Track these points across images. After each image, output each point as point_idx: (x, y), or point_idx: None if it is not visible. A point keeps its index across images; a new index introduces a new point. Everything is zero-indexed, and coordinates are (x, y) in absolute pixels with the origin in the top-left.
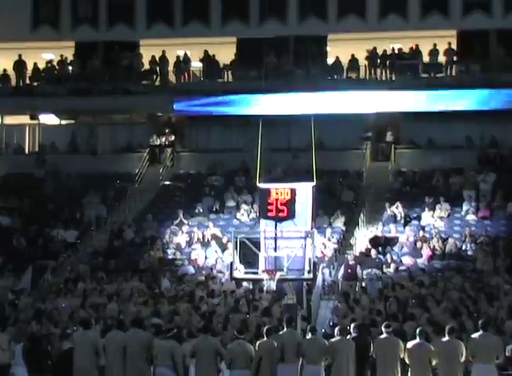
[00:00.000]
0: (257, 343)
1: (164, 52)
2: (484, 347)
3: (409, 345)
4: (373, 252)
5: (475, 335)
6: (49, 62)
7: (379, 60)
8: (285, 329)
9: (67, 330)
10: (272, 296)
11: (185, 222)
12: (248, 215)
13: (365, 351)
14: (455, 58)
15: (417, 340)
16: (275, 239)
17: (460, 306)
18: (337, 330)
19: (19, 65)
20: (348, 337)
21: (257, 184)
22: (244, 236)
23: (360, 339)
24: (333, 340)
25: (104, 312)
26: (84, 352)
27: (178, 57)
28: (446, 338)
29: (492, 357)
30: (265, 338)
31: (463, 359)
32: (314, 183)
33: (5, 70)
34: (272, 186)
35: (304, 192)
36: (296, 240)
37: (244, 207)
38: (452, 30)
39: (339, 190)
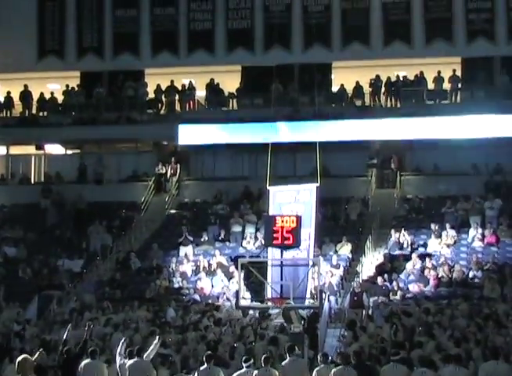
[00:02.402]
0: (255, 372)
1: (172, 81)
2: (494, 375)
3: (413, 373)
4: (380, 280)
5: (485, 363)
6: (55, 92)
7: (383, 88)
8: (288, 358)
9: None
10: (279, 324)
11: (191, 239)
12: (254, 243)
13: None
14: (459, 85)
15: (421, 368)
16: (282, 267)
17: (468, 334)
18: (339, 358)
19: (25, 95)
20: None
21: (268, 187)
22: (250, 265)
23: (360, 367)
24: (335, 369)
25: (110, 342)
26: None
27: (183, 86)
28: (452, 366)
29: None
30: (263, 366)
31: None
32: (318, 184)
33: (8, 93)
34: (278, 214)
35: (308, 191)
36: (302, 268)
37: (250, 235)
38: (457, 57)
39: (344, 215)
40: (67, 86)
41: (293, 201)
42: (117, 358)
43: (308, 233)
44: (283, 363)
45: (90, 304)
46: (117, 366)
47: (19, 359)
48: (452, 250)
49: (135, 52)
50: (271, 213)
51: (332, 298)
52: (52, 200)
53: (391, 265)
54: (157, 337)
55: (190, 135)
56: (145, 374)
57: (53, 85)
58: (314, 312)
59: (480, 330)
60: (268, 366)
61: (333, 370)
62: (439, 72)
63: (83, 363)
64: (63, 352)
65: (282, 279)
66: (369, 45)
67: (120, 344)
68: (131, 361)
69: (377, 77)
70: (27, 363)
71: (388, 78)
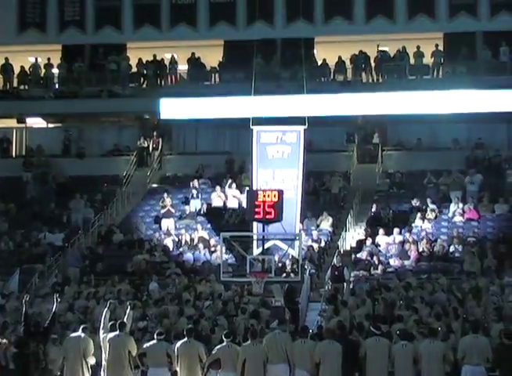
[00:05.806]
0: (242, 346)
1: (154, 55)
2: (473, 349)
3: (394, 346)
4: (360, 254)
5: (465, 337)
6: (36, 65)
7: (365, 63)
8: (275, 331)
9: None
10: (260, 298)
11: (173, 211)
12: (236, 218)
13: (351, 352)
14: (442, 60)
15: (401, 341)
16: (263, 241)
17: (448, 308)
18: (324, 333)
19: (6, 68)
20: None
21: (251, 126)
22: (232, 239)
23: (346, 340)
24: (319, 342)
25: (92, 315)
26: (74, 355)
27: (165, 60)
28: (431, 340)
29: (482, 359)
30: (249, 341)
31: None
32: (305, 126)
33: None
34: (262, 155)
35: (295, 133)
36: (284, 242)
37: (231, 208)
38: (439, 32)
39: (326, 190)
40: (49, 59)
41: (279, 142)
42: (101, 332)
43: (296, 174)
44: (267, 337)
45: (74, 278)
46: (100, 340)
47: None
48: (433, 224)
49: (117, 25)
50: (255, 154)
51: (313, 272)
52: (34, 174)
53: (372, 240)
54: (129, 307)
55: (172, 109)
56: (126, 348)
57: (34, 58)
58: (289, 285)
59: (460, 304)
60: (255, 340)
61: (318, 344)
62: (421, 47)
63: (69, 336)
64: (31, 325)
65: (264, 253)
66: (352, 19)
67: (103, 317)
68: (112, 335)
69: (360, 52)
70: None
71: (364, 53)
